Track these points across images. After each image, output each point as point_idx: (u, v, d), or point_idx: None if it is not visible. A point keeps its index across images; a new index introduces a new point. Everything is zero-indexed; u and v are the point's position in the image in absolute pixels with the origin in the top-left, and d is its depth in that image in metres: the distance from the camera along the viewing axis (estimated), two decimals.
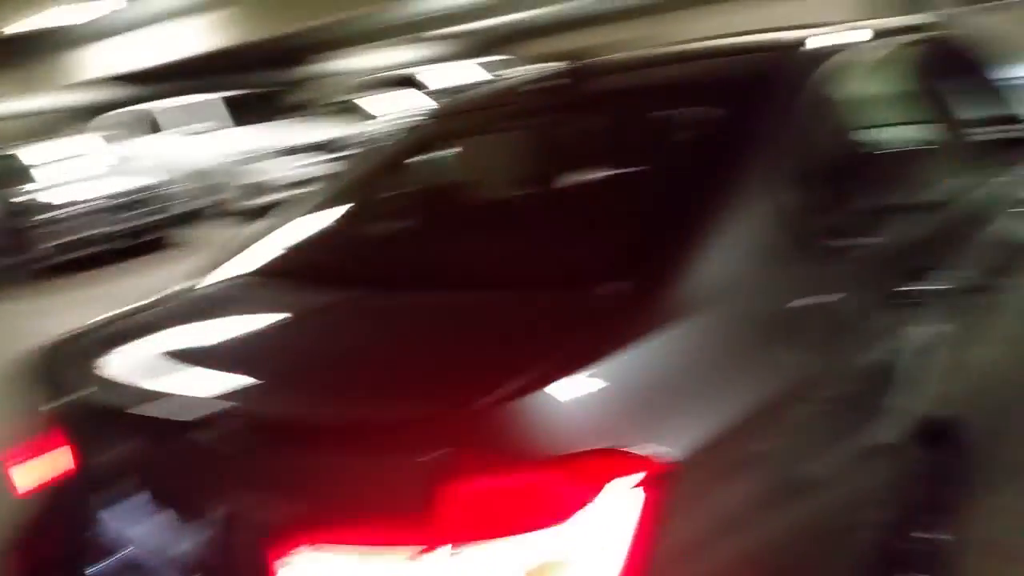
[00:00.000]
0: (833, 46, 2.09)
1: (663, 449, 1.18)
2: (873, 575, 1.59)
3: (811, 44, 2.11)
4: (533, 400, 1.18)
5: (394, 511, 1.17)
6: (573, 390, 1.21)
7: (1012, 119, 2.89)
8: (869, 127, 2.30)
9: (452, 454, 1.16)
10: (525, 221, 2.02)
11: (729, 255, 1.50)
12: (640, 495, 1.14)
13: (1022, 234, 2.50)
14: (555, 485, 1.14)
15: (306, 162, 10.06)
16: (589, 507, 1.13)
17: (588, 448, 1.16)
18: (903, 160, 2.34)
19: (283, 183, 9.67)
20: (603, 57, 2.50)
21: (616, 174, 2.11)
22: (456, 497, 1.14)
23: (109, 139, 10.66)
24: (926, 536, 1.84)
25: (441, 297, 1.63)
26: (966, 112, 2.70)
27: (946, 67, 2.70)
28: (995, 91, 2.91)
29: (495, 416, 1.17)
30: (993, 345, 2.26)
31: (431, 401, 1.25)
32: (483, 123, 2.56)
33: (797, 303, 1.57)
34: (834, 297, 1.66)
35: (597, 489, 1.13)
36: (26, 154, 9.84)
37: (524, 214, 2.11)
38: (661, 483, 1.16)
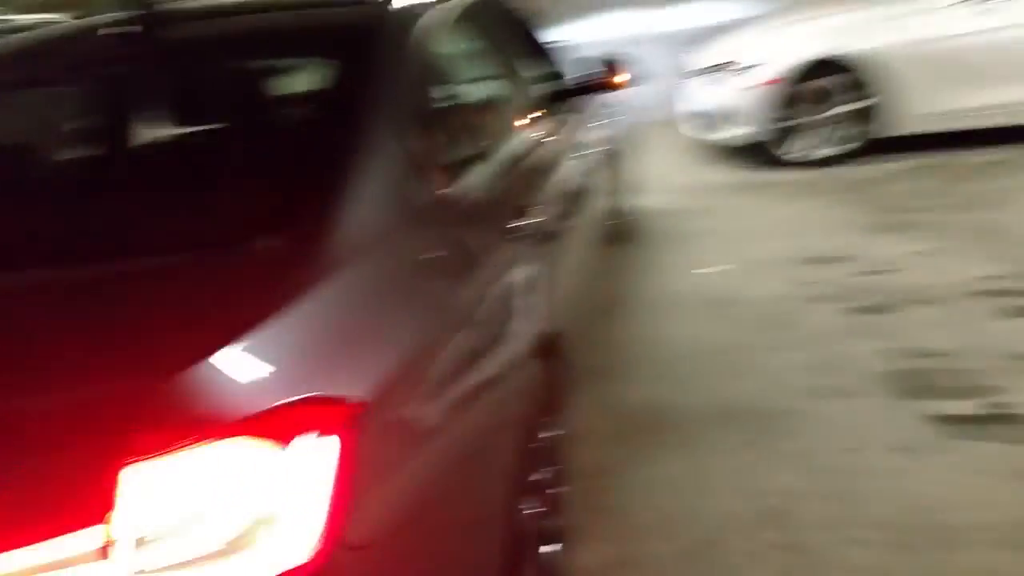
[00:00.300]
0: (420, 4, 2.19)
1: (347, 392, 1.20)
2: (515, 474, 1.77)
3: (399, 1, 2.18)
4: (207, 364, 1.15)
5: (63, 505, 1.06)
6: (247, 349, 1.19)
7: (559, 75, 3.36)
8: (460, 82, 2.49)
9: (128, 433, 1.08)
10: (149, 186, 1.83)
11: (371, 205, 1.55)
12: (333, 438, 1.15)
13: (581, 177, 2.94)
14: (247, 443, 1.11)
15: None
16: (286, 457, 1.11)
17: (275, 402, 1.14)
18: (492, 111, 2.59)
19: None
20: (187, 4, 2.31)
21: (249, 131, 2.00)
22: (139, 476, 1.06)
23: None
24: (549, 433, 2.11)
25: (75, 273, 1.46)
26: (529, 69, 3.08)
27: (509, 29, 3.04)
28: (544, 52, 3.34)
29: (168, 387, 1.12)
30: (574, 270, 2.64)
31: (92, 382, 1.17)
32: (54, 76, 2.20)
33: (436, 243, 1.68)
34: (464, 236, 1.81)
35: (290, 439, 1.12)
36: None
37: (145, 179, 1.90)
38: (351, 423, 1.17)
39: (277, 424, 1.13)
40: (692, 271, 4.12)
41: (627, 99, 4.32)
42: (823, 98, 5.47)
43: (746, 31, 6.16)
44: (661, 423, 2.81)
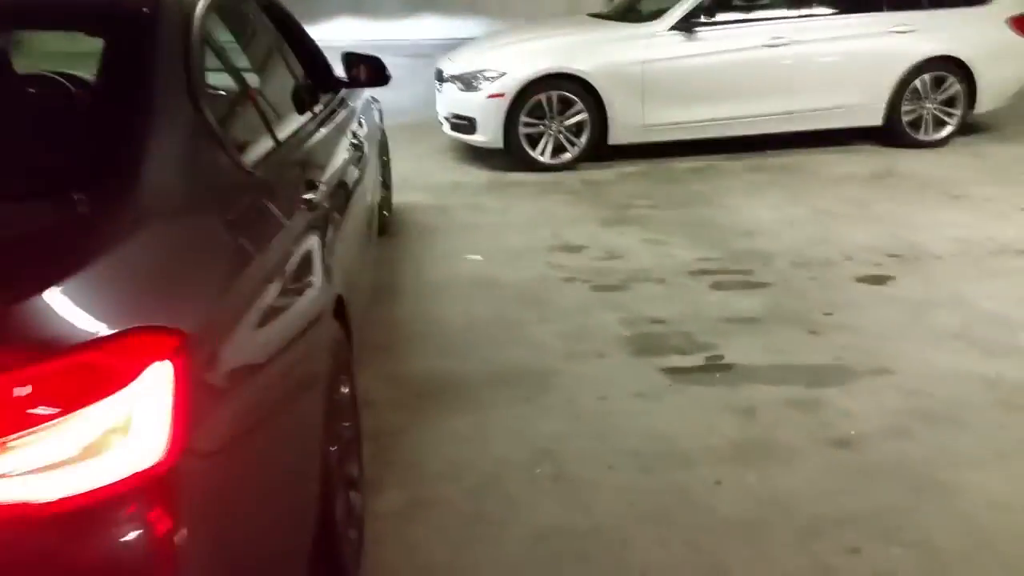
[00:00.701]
0: None
1: (176, 324, 1.35)
2: (324, 418, 1.97)
3: None
4: (56, 292, 1.27)
5: None
6: (89, 283, 1.33)
7: (329, 69, 3.53)
8: (243, 65, 2.62)
9: None
10: None
11: (177, 166, 1.71)
12: (167, 363, 1.29)
13: (353, 165, 3.14)
14: (93, 365, 1.24)
15: None
16: (128, 378, 1.25)
17: (118, 327, 1.28)
18: (273, 95, 2.73)
19: None
20: None
21: (57, 101, 2.02)
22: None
23: None
24: (345, 390, 2.31)
25: None
26: (302, 60, 3.23)
27: (281, 22, 3.17)
28: (313, 45, 3.49)
29: (19, 312, 1.23)
30: (352, 249, 2.83)
31: None
32: None
33: (239, 205, 1.86)
34: (262, 201, 1.99)
35: (132, 362, 1.26)
36: None
37: None
38: (182, 350, 1.32)
39: (121, 347, 1.26)
40: (456, 258, 4.45)
41: (388, 98, 4.57)
42: (557, 109, 6.07)
43: (490, 44, 6.65)
44: (443, 388, 3.09)
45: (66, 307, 1.27)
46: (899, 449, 2.64)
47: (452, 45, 6.96)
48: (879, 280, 4.00)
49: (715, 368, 3.20)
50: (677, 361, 3.25)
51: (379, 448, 2.67)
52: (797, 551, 2.21)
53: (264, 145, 2.22)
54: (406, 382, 3.14)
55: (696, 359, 3.27)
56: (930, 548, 2.21)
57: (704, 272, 4.15)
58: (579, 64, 6.01)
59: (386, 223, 4.67)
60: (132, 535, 1.23)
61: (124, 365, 1.25)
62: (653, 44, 6.14)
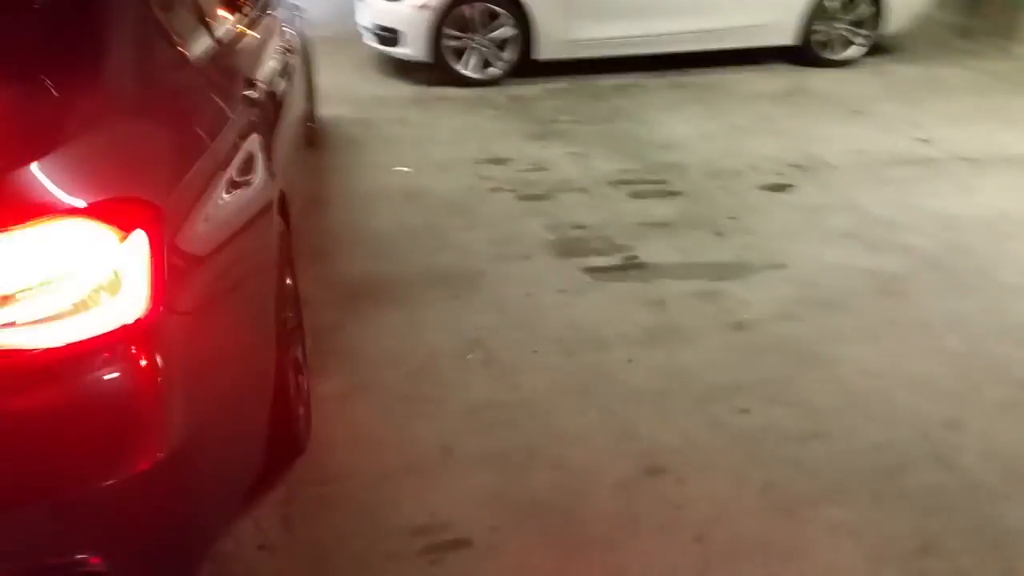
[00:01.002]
0: None
1: (151, 196, 1.53)
2: (275, 305, 2.16)
3: None
4: (46, 165, 1.43)
5: None
6: (70, 158, 1.49)
7: None
8: None
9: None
10: None
11: (139, 56, 1.86)
12: (145, 230, 1.47)
13: (284, 71, 3.25)
14: (83, 227, 1.41)
15: None
16: (113, 240, 1.43)
17: (101, 195, 1.46)
18: None
19: None
20: None
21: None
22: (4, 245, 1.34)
23: None
24: (289, 281, 2.49)
25: None
26: None
27: None
28: None
29: (15, 179, 1.40)
30: (287, 149, 2.97)
31: None
32: None
33: (194, 95, 2.05)
34: (214, 94, 2.17)
35: (116, 226, 1.43)
36: None
37: None
38: (157, 219, 1.50)
39: (105, 212, 1.44)
40: (384, 170, 4.59)
41: (311, 9, 4.59)
42: (483, 23, 6.16)
43: None
44: (377, 289, 3.29)
45: (54, 177, 1.42)
46: (787, 330, 2.99)
47: None
48: (780, 188, 4.33)
49: (631, 267, 3.48)
50: (596, 261, 3.52)
51: (318, 341, 2.87)
52: (695, 413, 2.53)
53: (204, 43, 2.31)
54: (341, 284, 3.33)
55: (614, 259, 3.54)
56: (809, 407, 2.56)
57: (623, 182, 4.40)
58: None
59: (311, 134, 4.76)
60: (120, 376, 1.43)
61: (108, 228, 1.42)
62: None
